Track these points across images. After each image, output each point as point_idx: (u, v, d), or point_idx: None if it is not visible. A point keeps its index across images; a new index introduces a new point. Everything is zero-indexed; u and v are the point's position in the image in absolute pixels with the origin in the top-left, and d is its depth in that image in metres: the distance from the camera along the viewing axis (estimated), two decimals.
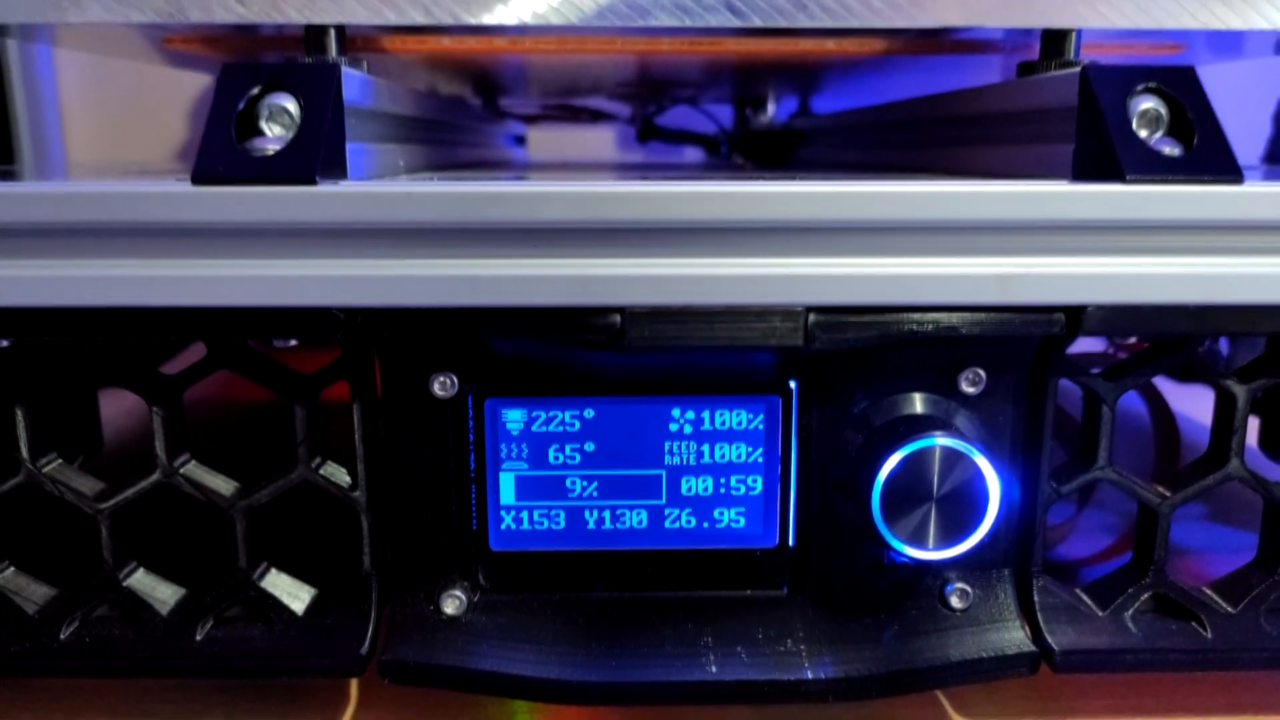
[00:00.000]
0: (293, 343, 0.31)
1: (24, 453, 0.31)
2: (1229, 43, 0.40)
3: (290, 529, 0.34)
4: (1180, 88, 0.30)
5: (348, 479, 0.32)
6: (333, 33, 0.33)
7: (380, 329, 0.29)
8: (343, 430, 0.31)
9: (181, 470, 0.32)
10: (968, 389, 0.32)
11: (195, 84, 1.01)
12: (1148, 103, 0.30)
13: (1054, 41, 0.34)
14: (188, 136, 1.06)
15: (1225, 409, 0.33)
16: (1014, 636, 0.33)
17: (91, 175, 0.39)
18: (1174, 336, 0.31)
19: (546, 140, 1.00)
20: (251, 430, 0.57)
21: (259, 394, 0.33)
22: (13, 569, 0.33)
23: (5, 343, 0.30)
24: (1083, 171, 0.30)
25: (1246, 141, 0.77)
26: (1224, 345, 0.64)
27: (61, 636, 0.32)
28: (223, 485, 0.32)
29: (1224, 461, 0.33)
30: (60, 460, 0.32)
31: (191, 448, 0.32)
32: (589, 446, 0.32)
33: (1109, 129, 0.29)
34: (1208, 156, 0.29)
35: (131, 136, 1.04)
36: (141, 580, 0.32)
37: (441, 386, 0.31)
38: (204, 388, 0.32)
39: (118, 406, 0.37)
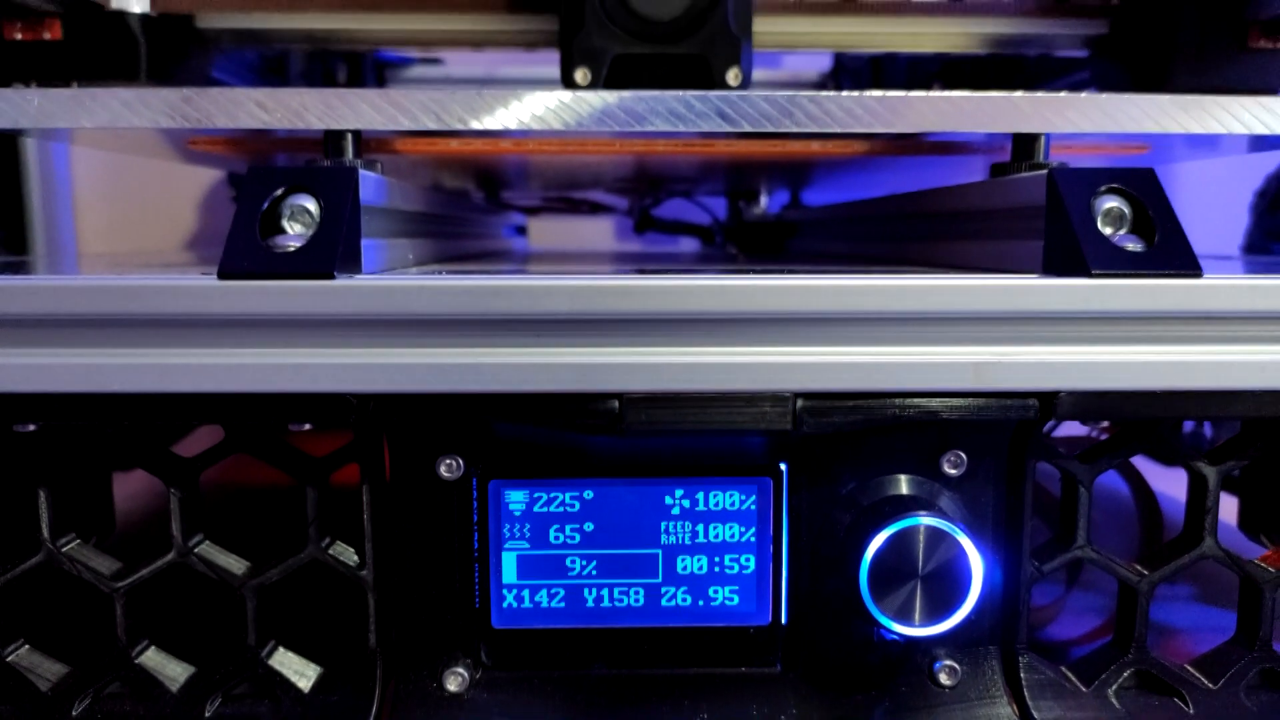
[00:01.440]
0: (307, 426, 0.32)
1: (45, 533, 0.32)
2: (1190, 145, 0.42)
3: (297, 604, 0.35)
4: (1141, 188, 0.32)
5: (355, 558, 0.33)
6: (350, 137, 0.35)
7: (391, 413, 0.30)
8: (345, 505, 0.33)
9: (196, 550, 0.33)
10: (950, 471, 0.33)
11: (205, 178, 1.04)
12: (1111, 202, 0.32)
13: (1024, 145, 0.36)
14: (196, 227, 1.09)
15: (1198, 490, 0.34)
16: (1001, 713, 0.33)
17: (106, 267, 0.40)
18: (1143, 420, 0.33)
19: (547, 230, 1.02)
20: (254, 504, 0.58)
21: (268, 472, 0.35)
22: (27, 646, 0.33)
23: (32, 427, 0.32)
24: (1052, 266, 0.32)
25: (1228, 231, 0.80)
26: (1208, 428, 0.65)
27: (74, 713, 0.32)
28: (234, 565, 0.33)
29: (1198, 541, 0.34)
30: (79, 540, 0.33)
31: (206, 527, 0.33)
32: (588, 526, 0.33)
33: (1075, 227, 0.31)
34: (1168, 251, 0.31)
35: (141, 227, 1.07)
36: (152, 658, 0.33)
37: (448, 469, 0.32)
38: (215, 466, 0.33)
39: (120, 489, 0.39)
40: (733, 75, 0.45)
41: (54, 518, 0.33)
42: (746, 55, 0.46)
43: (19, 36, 0.51)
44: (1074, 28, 0.58)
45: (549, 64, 0.56)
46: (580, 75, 0.45)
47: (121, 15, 0.52)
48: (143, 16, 0.52)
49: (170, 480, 0.32)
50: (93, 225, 1.06)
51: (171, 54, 0.53)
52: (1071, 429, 0.54)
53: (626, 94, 0.36)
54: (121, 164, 1.04)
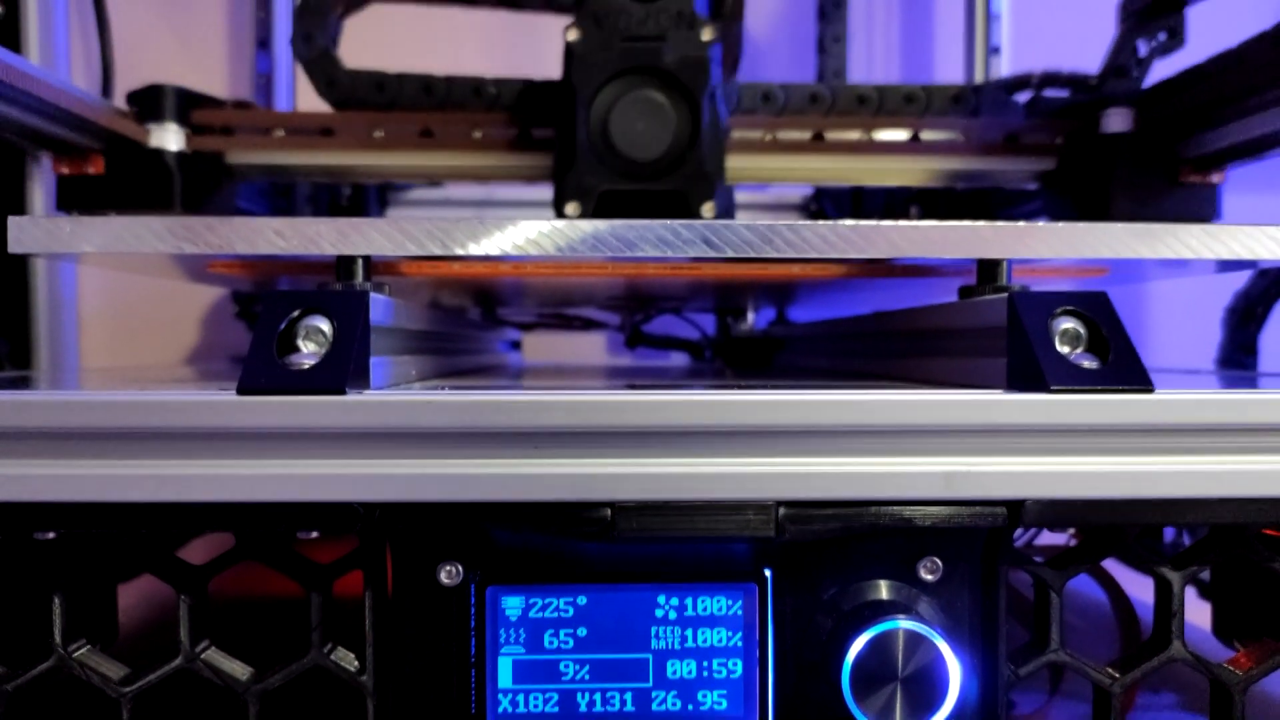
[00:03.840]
0: (314, 534, 0.34)
1: (58, 638, 0.34)
2: (1145, 269, 0.45)
3: (299, 709, 0.36)
4: (1094, 310, 0.35)
5: (356, 663, 0.34)
6: (361, 261, 0.38)
7: (395, 521, 0.32)
8: (345, 612, 0.34)
9: (202, 655, 0.34)
10: (926, 576, 0.35)
11: (206, 295, 1.07)
12: (1067, 323, 0.34)
13: (988, 269, 0.39)
14: (197, 342, 1.12)
15: (1163, 594, 0.36)
16: None
17: (111, 382, 0.43)
18: (1107, 527, 0.35)
19: (541, 345, 1.05)
20: (249, 611, 0.58)
21: (263, 578, 0.36)
22: None
23: (52, 534, 0.33)
24: (1015, 382, 0.35)
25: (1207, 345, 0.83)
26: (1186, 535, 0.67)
27: None
28: (239, 670, 0.34)
29: (1166, 644, 0.35)
30: (89, 646, 0.35)
31: (211, 633, 0.35)
32: (581, 632, 0.34)
33: (1033, 346, 0.33)
34: (1121, 368, 0.33)
35: (144, 342, 1.10)
36: None
37: (448, 575, 0.34)
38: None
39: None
40: (707, 209, 0.50)
41: (66, 623, 0.34)
42: (720, 191, 0.51)
43: (65, 171, 0.55)
44: (1025, 164, 0.62)
45: (542, 187, 0.61)
46: (570, 208, 0.50)
47: (159, 153, 0.56)
48: (179, 154, 0.56)
49: (180, 586, 0.34)
50: (96, 340, 1.08)
51: (203, 187, 0.57)
52: (1056, 535, 0.56)
53: (618, 222, 0.38)
54: (126, 281, 1.07)
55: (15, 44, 0.89)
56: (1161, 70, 0.65)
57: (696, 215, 0.50)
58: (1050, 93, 0.70)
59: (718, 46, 0.54)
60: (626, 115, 0.52)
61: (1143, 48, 0.67)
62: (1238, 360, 0.82)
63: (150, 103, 0.60)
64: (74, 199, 0.59)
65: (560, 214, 0.51)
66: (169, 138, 0.59)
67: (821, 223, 0.39)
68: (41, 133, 0.54)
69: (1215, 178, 0.62)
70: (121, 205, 0.59)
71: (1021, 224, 0.38)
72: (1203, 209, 0.62)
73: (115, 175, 0.58)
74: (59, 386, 0.39)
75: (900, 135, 0.63)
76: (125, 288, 1.09)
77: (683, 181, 0.52)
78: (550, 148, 0.58)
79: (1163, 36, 0.67)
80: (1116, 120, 0.62)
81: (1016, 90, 0.69)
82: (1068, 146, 0.63)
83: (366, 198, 0.90)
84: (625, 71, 0.52)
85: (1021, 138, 0.64)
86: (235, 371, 0.56)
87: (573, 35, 0.53)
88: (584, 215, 0.50)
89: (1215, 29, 0.63)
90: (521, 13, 0.59)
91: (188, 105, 0.61)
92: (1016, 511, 0.33)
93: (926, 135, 0.62)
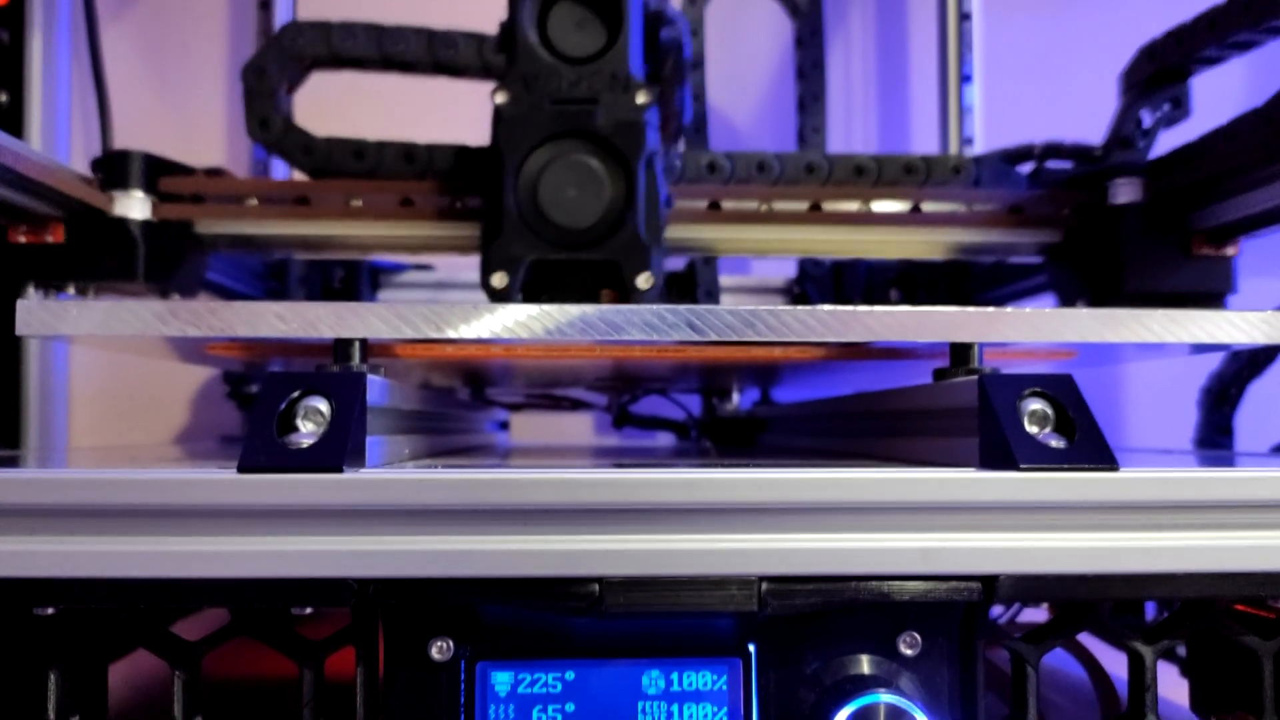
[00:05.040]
0: (309, 610, 0.34)
1: (51, 714, 0.34)
2: (1112, 352, 0.47)
3: None
4: (1061, 392, 0.36)
5: None
6: (358, 344, 0.39)
7: (388, 597, 0.33)
8: (334, 690, 0.35)
9: None
10: (906, 651, 0.36)
11: (196, 376, 1.08)
12: (1035, 404, 0.36)
13: (960, 352, 0.41)
14: (187, 422, 1.12)
15: (1136, 669, 0.37)
16: None
17: (100, 461, 0.43)
18: (1079, 602, 0.36)
19: (529, 425, 1.06)
20: (240, 686, 0.58)
21: (261, 657, 0.37)
22: None
23: (51, 610, 0.34)
24: (987, 460, 0.36)
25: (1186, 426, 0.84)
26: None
27: None
28: None
29: (1141, 718, 0.36)
30: None
31: (203, 710, 0.35)
32: (569, 707, 0.35)
33: (1003, 426, 0.35)
34: (1088, 448, 0.35)
35: (132, 422, 1.10)
36: None
37: (439, 650, 0.35)
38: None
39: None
40: (643, 279, 0.49)
41: (60, 701, 0.34)
42: (657, 260, 0.49)
43: (22, 239, 0.54)
44: (1030, 236, 0.62)
45: None
46: (497, 279, 0.49)
47: (123, 221, 0.55)
48: (144, 223, 0.55)
49: (175, 662, 0.34)
50: (85, 420, 1.08)
51: (169, 257, 0.57)
52: (1038, 614, 0.56)
53: (606, 307, 0.40)
54: (115, 360, 1.08)
55: (17, 128, 0.92)
56: (1168, 140, 0.64)
57: (632, 287, 0.49)
58: (1053, 164, 0.69)
59: (654, 110, 0.52)
60: (557, 181, 0.50)
61: (1147, 118, 0.67)
62: (1214, 441, 0.83)
63: (116, 169, 0.58)
64: (31, 268, 0.57)
65: (486, 286, 0.50)
66: (134, 205, 0.57)
67: (801, 308, 0.40)
68: None
69: (1229, 250, 0.61)
70: (82, 275, 0.57)
71: (990, 309, 0.40)
72: (1216, 282, 0.61)
73: (76, 245, 0.56)
74: (49, 466, 0.39)
75: (900, 207, 0.62)
76: (115, 367, 1.09)
77: (617, 251, 0.50)
78: (477, 216, 0.56)
79: (1167, 107, 0.66)
80: (1125, 191, 0.61)
81: (1018, 162, 0.69)
82: (1074, 218, 0.62)
83: (359, 279, 0.91)
84: (556, 135, 0.50)
85: (1026, 209, 0.62)
86: (227, 451, 0.57)
87: (500, 98, 0.51)
88: (511, 288, 0.49)
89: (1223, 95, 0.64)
90: (457, 80, 0.59)
91: (155, 172, 0.59)
92: (991, 587, 0.34)
93: (927, 207, 0.62)
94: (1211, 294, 0.61)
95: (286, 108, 0.59)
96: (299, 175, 0.62)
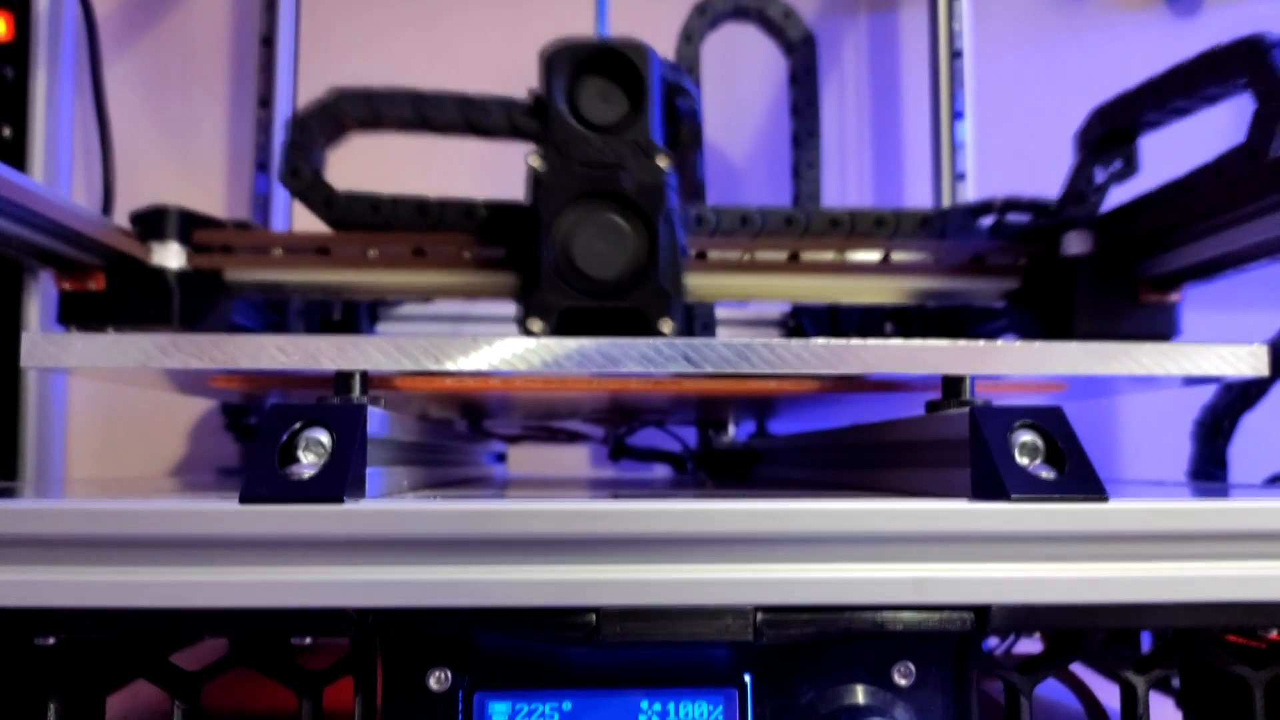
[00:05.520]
0: (308, 640, 0.35)
1: None
2: (1101, 384, 0.47)
3: None
4: (1051, 424, 0.37)
5: None
6: (358, 376, 0.40)
7: (388, 627, 0.33)
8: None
9: None
10: (900, 681, 0.36)
11: (194, 408, 1.09)
12: (1025, 436, 0.36)
13: (952, 385, 0.41)
14: (184, 454, 1.12)
15: (1129, 699, 0.37)
16: None
17: (99, 492, 0.44)
18: (1071, 632, 0.36)
19: (526, 457, 1.07)
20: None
21: (258, 691, 0.37)
22: None
23: (52, 640, 0.34)
24: (979, 491, 0.36)
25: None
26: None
27: None
28: None
29: None
30: None
31: None
32: None
33: (994, 458, 0.35)
34: (1077, 479, 0.35)
35: (130, 453, 1.10)
36: None
37: (437, 681, 0.35)
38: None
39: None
40: (665, 325, 0.53)
41: None
42: (677, 308, 0.54)
43: (68, 287, 0.57)
44: (991, 284, 0.65)
45: (511, 303, 0.63)
46: (535, 325, 0.53)
47: (160, 271, 0.58)
48: (179, 272, 0.58)
49: (175, 692, 0.35)
50: (82, 451, 1.09)
51: (201, 303, 0.59)
52: (1034, 645, 0.57)
53: (604, 340, 0.41)
54: (113, 392, 1.09)
55: (20, 163, 0.93)
56: (1118, 196, 0.69)
57: (656, 331, 0.53)
58: (1012, 217, 0.74)
59: (673, 174, 0.57)
60: (587, 237, 0.55)
61: (1099, 175, 0.71)
62: (1208, 473, 0.84)
63: (154, 223, 0.63)
64: (75, 314, 0.61)
65: (525, 330, 0.54)
66: (170, 256, 0.62)
67: (795, 340, 0.41)
68: (46, 250, 0.56)
69: (1173, 297, 0.65)
70: (121, 320, 0.61)
71: (982, 343, 0.41)
72: (1161, 326, 0.65)
73: (116, 292, 0.61)
74: (47, 497, 0.40)
75: (872, 256, 0.66)
76: (112, 399, 1.10)
77: (641, 299, 0.54)
78: (513, 267, 0.61)
79: (1118, 165, 0.71)
80: (1076, 243, 0.65)
81: (980, 215, 0.73)
82: (1031, 267, 0.67)
83: (358, 313, 0.92)
84: (586, 196, 0.55)
85: (987, 259, 0.67)
86: (225, 483, 0.58)
87: (535, 162, 0.56)
88: (547, 332, 0.53)
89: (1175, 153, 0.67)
90: (489, 141, 0.63)
91: (189, 225, 0.64)
92: (983, 617, 0.34)
93: (897, 256, 0.66)
94: (1157, 337, 0.65)
95: (318, 162, 0.62)
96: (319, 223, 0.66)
